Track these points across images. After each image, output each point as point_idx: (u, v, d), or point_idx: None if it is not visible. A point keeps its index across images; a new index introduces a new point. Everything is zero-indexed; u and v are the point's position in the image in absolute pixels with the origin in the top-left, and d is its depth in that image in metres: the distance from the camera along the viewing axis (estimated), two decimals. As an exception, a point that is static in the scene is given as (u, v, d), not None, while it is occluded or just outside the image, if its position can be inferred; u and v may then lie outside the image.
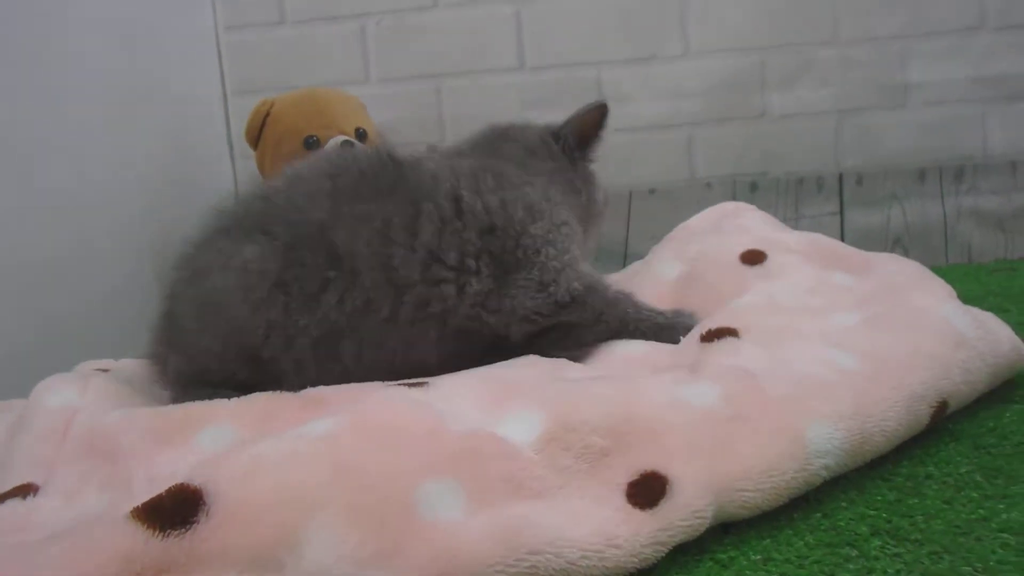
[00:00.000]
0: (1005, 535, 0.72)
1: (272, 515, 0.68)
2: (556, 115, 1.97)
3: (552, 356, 1.04)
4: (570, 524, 0.72)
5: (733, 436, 0.81)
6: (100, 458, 0.89)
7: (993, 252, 1.82)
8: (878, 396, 0.86)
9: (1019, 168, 1.91)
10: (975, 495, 0.78)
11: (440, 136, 2.05)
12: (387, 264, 1.02)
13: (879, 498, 0.80)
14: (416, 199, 1.05)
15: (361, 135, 1.87)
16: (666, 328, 1.10)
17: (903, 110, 1.95)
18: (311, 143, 1.83)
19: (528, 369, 1.01)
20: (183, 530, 0.66)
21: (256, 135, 1.90)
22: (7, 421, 1.01)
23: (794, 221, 1.91)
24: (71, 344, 1.42)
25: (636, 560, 0.71)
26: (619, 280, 1.35)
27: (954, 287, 1.13)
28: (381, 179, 1.06)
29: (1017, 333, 1.02)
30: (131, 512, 0.67)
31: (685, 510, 0.74)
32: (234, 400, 0.94)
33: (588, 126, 1.24)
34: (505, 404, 0.85)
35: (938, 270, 1.68)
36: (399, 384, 0.93)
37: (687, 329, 1.07)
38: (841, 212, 1.93)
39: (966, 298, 1.32)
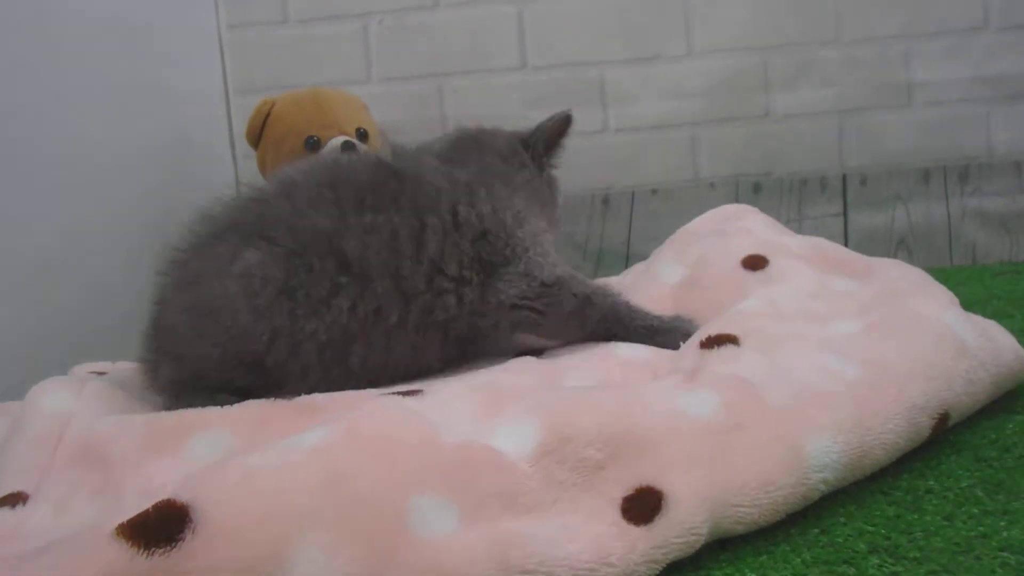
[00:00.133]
0: (1005, 554, 0.70)
1: (260, 531, 0.67)
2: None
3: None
4: (563, 540, 0.71)
5: (730, 449, 0.79)
6: (91, 466, 0.88)
7: (998, 254, 1.81)
8: (879, 408, 0.85)
9: (1024, 169, 1.90)
10: (975, 511, 0.77)
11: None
12: (396, 274, 1.04)
13: (878, 513, 0.79)
14: (421, 212, 1.07)
15: (362, 135, 1.86)
16: (663, 332, 1.10)
17: (907, 110, 1.94)
18: (312, 143, 1.82)
19: (523, 375, 1.00)
20: (168, 548, 0.65)
21: (257, 135, 1.89)
22: (3, 425, 1.01)
23: (797, 222, 1.90)
24: (69, 344, 1.42)
25: (630, 578, 0.70)
26: (620, 283, 1.34)
27: (958, 290, 1.12)
28: (384, 191, 1.08)
29: (1020, 339, 1.01)
30: (116, 529, 0.66)
31: (680, 527, 0.73)
32: (227, 407, 0.94)
33: (554, 134, 1.27)
34: (500, 413, 0.84)
35: (942, 271, 1.68)
36: (393, 392, 0.92)
37: (686, 335, 1.07)
38: (845, 213, 1.92)
39: (970, 302, 1.32)
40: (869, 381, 0.88)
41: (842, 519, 0.78)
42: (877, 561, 0.71)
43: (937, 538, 0.74)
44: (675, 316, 1.13)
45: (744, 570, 0.73)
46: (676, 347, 1.06)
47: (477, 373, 1.03)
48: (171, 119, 1.88)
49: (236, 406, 0.94)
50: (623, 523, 0.73)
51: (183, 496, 0.68)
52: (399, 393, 0.91)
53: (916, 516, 0.77)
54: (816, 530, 0.77)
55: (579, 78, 2.02)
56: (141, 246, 1.64)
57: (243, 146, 1.97)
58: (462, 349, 1.11)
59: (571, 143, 1.98)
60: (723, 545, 0.76)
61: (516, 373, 1.01)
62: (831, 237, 1.82)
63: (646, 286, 1.28)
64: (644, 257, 1.44)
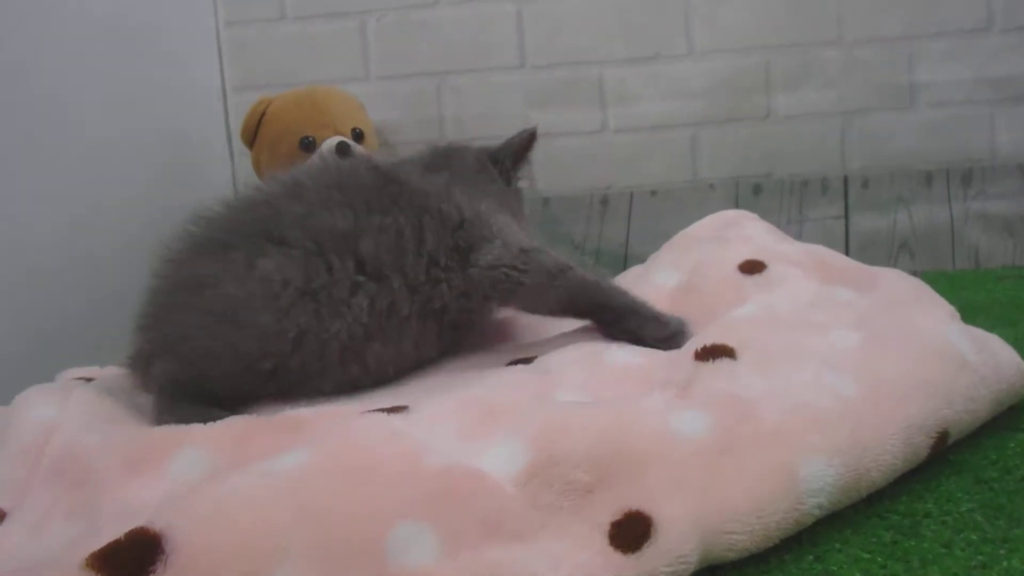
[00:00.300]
0: (1004, 586, 0.69)
1: (235, 565, 0.65)
2: (557, 114, 1.99)
3: None
4: (548, 570, 0.69)
5: (722, 472, 0.78)
6: (70, 484, 0.87)
7: (1001, 257, 1.79)
8: (875, 427, 0.83)
9: (1029, 171, 1.87)
10: (974, 537, 0.75)
11: (439, 135, 2.04)
12: (403, 270, 1.07)
13: (874, 539, 0.77)
14: (418, 212, 1.11)
15: (358, 135, 1.86)
16: (645, 317, 1.09)
17: (909, 112, 1.92)
18: (307, 143, 1.83)
19: (513, 389, 0.98)
20: (140, 580, 0.64)
21: (252, 134, 1.90)
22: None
23: (798, 224, 1.88)
24: (62, 346, 1.42)
25: (616, 609, 0.68)
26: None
27: (960, 295, 1.11)
28: (385, 192, 1.11)
29: (1023, 349, 0.99)
30: (87, 560, 0.65)
31: (669, 555, 0.72)
32: (209, 424, 0.92)
33: (522, 149, 1.30)
34: (487, 432, 0.82)
35: (945, 275, 1.66)
36: (378, 409, 0.90)
37: (675, 331, 1.07)
38: (846, 215, 1.89)
39: (972, 308, 1.30)
40: (866, 400, 0.86)
41: (837, 545, 0.77)
42: (872, 591, 0.69)
43: (934, 567, 0.72)
44: (664, 312, 1.12)
45: (735, 600, 0.71)
46: (658, 337, 1.06)
47: (467, 385, 1.00)
48: (168, 116, 1.89)
49: (218, 423, 0.92)
50: (610, 551, 0.72)
51: (157, 524, 0.67)
52: (384, 409, 0.89)
53: (914, 543, 0.75)
54: (811, 557, 0.75)
55: (578, 77, 2.00)
56: (136, 243, 1.65)
57: (240, 143, 1.98)
58: (456, 338, 1.14)
59: (570, 143, 2.00)
60: (713, 572, 0.74)
61: (506, 386, 0.99)
62: (832, 239, 1.82)
63: (643, 289, 1.26)
64: (642, 258, 1.43)
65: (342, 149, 1.78)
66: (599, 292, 1.11)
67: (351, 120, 1.88)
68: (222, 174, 2.09)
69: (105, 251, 1.60)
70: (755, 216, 1.40)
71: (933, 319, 1.02)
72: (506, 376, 1.02)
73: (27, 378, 1.09)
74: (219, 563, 0.65)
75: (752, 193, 1.95)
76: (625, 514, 0.74)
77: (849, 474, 0.80)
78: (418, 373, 1.09)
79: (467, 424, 0.84)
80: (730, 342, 0.97)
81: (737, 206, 1.91)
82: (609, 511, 0.74)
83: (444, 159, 1.26)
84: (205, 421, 0.92)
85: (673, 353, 1.01)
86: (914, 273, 1.20)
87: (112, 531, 0.67)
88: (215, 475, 0.77)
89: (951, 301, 1.11)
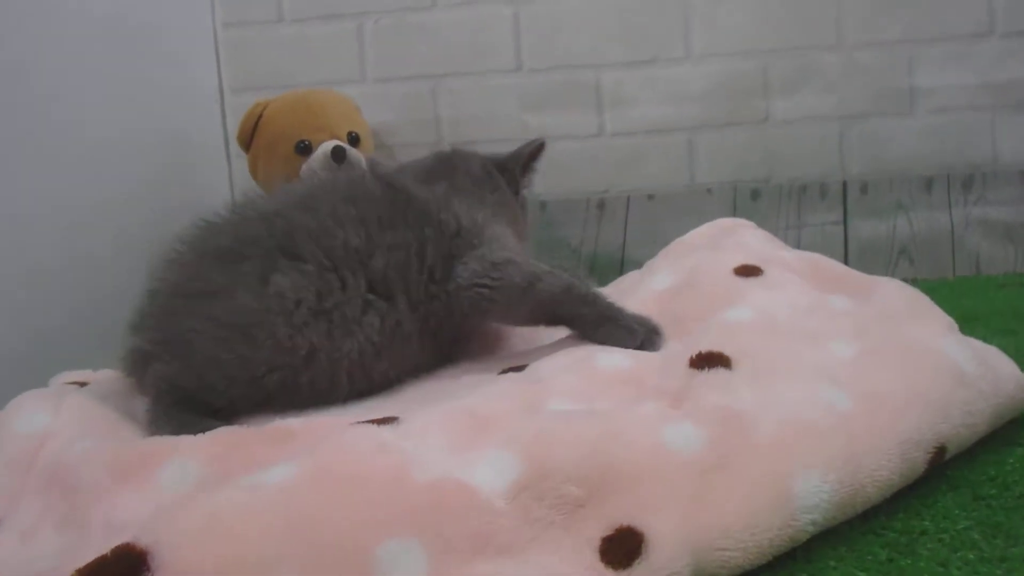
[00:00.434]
0: (1001, 608, 0.67)
1: (222, 580, 0.64)
2: (554, 117, 1.98)
3: None
4: (535, 586, 0.68)
5: (715, 488, 0.76)
6: (60, 494, 0.87)
7: (1002, 264, 1.77)
8: (871, 442, 0.82)
9: (1030, 177, 1.86)
10: (972, 556, 0.74)
11: (436, 137, 2.03)
12: (407, 288, 1.08)
13: (870, 557, 0.75)
14: (420, 225, 1.11)
15: (353, 139, 1.86)
16: (614, 322, 1.07)
17: (910, 117, 1.90)
18: (303, 147, 1.83)
19: (504, 400, 0.96)
20: (126, 597, 0.63)
21: (248, 137, 1.91)
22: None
23: (796, 229, 1.87)
24: (59, 346, 1.43)
25: (606, 626, 0.67)
26: (611, 294, 1.31)
27: (960, 302, 1.09)
28: (394, 206, 1.12)
29: (1023, 359, 0.98)
30: (74, 575, 0.64)
31: (661, 572, 0.70)
32: (199, 436, 0.91)
33: (531, 159, 1.32)
34: (477, 444, 0.81)
35: (945, 283, 1.65)
36: (368, 421, 0.89)
37: (649, 338, 1.06)
38: (845, 221, 1.88)
39: (972, 316, 1.29)
40: (862, 414, 0.85)
41: (832, 562, 0.75)
42: (867, 612, 0.68)
43: (931, 587, 0.70)
44: (638, 314, 1.10)
45: (727, 619, 0.69)
46: (626, 348, 1.04)
47: (458, 395, 0.99)
48: (166, 116, 1.89)
49: (208, 434, 0.92)
50: (600, 567, 0.71)
51: (143, 540, 0.66)
52: (374, 421, 0.88)
53: (910, 561, 0.74)
54: (804, 574, 0.74)
55: (576, 81, 1.99)
56: (133, 244, 1.67)
57: (238, 146, 1.97)
58: (452, 349, 1.14)
59: (567, 146, 1.99)
60: (705, 590, 0.73)
61: (497, 396, 0.97)
62: (831, 245, 1.81)
63: (637, 293, 1.25)
64: (639, 263, 1.42)
65: (337, 153, 1.78)
66: (570, 301, 1.09)
67: (347, 124, 1.88)
68: (219, 175, 2.09)
69: (102, 251, 1.61)
70: (752, 224, 1.39)
71: (930, 331, 1.01)
72: (497, 386, 1.00)
73: (23, 379, 1.09)
74: (206, 579, 0.64)
75: (750, 198, 1.93)
76: (616, 529, 0.73)
77: (844, 490, 0.78)
78: (411, 380, 1.09)
79: (457, 436, 0.83)
80: (726, 350, 0.95)
81: (735, 211, 1.90)
82: (600, 526, 0.73)
83: (448, 166, 1.26)
84: (197, 432, 0.92)
85: (667, 357, 1.00)
86: (914, 280, 1.19)
87: (100, 542, 0.68)
88: (203, 488, 0.77)
89: (951, 309, 1.09)
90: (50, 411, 0.98)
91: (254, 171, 1.92)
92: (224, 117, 2.10)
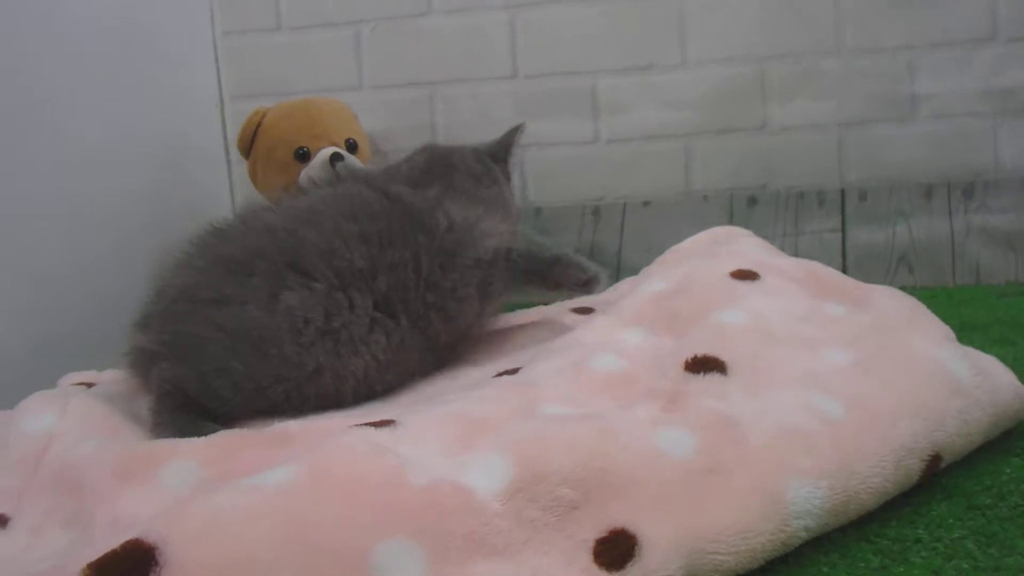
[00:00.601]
0: (996, 618, 0.66)
1: (226, 580, 0.65)
2: (550, 124, 1.98)
3: None
4: (530, 587, 0.68)
5: (709, 492, 0.76)
6: (67, 493, 0.89)
7: (1003, 273, 1.75)
8: (865, 449, 0.81)
9: (1031, 185, 1.84)
10: (965, 566, 0.72)
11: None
12: (407, 304, 1.10)
13: (862, 564, 0.74)
14: (415, 235, 1.12)
15: (351, 146, 1.87)
16: (553, 262, 1.17)
17: (910, 123, 1.88)
18: (302, 154, 1.84)
19: (498, 404, 0.96)
20: (135, 591, 0.64)
21: (248, 144, 1.92)
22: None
23: (794, 237, 1.85)
24: (62, 348, 1.45)
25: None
26: (607, 300, 1.31)
27: (960, 311, 1.08)
28: (392, 220, 1.13)
29: (1022, 370, 0.96)
30: (83, 570, 0.65)
31: (654, 574, 0.70)
32: (200, 439, 0.92)
33: (512, 143, 1.35)
34: (472, 446, 0.81)
35: (945, 291, 1.64)
36: (365, 424, 0.88)
37: (597, 275, 1.18)
38: (843, 228, 1.87)
39: (971, 326, 1.27)
40: (856, 422, 0.84)
41: (824, 569, 0.74)
42: (858, 621, 0.67)
43: (924, 597, 0.69)
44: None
45: (716, 627, 0.68)
46: (577, 282, 1.18)
47: (453, 398, 0.99)
48: (167, 122, 1.91)
49: (208, 436, 0.93)
50: (594, 568, 0.71)
51: (150, 537, 0.67)
52: (371, 424, 0.88)
53: (903, 569, 0.73)
54: (796, 581, 0.73)
55: (571, 87, 1.98)
56: (134, 250, 1.69)
57: (237, 152, 1.98)
58: (447, 354, 1.17)
59: (562, 153, 1.98)
60: (695, 596, 0.72)
61: (492, 400, 0.97)
62: (829, 253, 1.80)
63: (632, 297, 1.24)
64: (635, 270, 1.42)
65: (336, 160, 1.79)
66: (530, 255, 1.17)
67: (345, 131, 1.90)
68: (219, 181, 2.11)
69: (106, 256, 1.62)
70: (748, 232, 1.38)
71: (927, 340, 0.99)
72: (492, 389, 1.00)
73: (32, 380, 1.13)
74: (210, 576, 0.65)
75: (747, 205, 1.92)
76: (610, 531, 0.73)
77: (837, 497, 0.77)
78: (408, 384, 1.11)
79: (453, 439, 0.84)
80: (722, 355, 0.95)
81: (731, 218, 1.89)
82: (594, 528, 0.73)
83: (445, 165, 1.27)
84: (200, 435, 0.93)
85: (660, 357, 0.99)
86: (913, 288, 1.18)
87: (106, 540, 0.68)
88: (204, 489, 0.78)
89: (951, 317, 1.08)
90: (57, 412, 1.01)
91: (254, 177, 1.93)
92: (224, 123, 2.11)
